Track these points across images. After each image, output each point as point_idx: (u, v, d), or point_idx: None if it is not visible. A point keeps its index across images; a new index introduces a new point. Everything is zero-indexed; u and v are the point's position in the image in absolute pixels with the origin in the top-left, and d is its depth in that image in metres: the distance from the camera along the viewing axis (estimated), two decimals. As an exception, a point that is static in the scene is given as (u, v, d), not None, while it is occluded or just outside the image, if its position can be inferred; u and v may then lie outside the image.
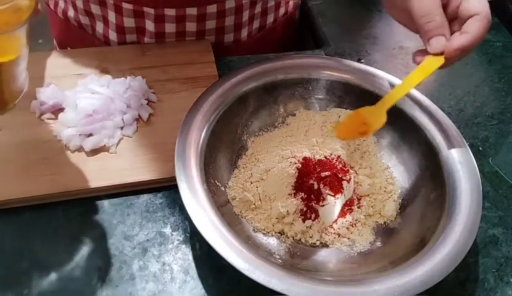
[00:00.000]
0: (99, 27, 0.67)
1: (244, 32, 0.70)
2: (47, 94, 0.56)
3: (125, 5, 0.63)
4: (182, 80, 0.61)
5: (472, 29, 0.44)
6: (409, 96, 0.56)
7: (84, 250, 0.47)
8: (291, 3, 0.75)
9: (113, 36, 0.66)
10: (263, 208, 0.50)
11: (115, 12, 0.64)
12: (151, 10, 0.63)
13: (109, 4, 0.63)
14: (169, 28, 0.65)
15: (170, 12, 0.63)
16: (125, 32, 0.66)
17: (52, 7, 0.72)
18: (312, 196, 0.49)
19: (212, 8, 0.64)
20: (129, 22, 0.64)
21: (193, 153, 0.48)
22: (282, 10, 0.74)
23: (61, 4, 0.69)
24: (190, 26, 0.65)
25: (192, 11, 0.63)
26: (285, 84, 0.58)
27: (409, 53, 0.73)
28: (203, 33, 0.66)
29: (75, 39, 0.70)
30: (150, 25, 0.64)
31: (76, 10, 0.67)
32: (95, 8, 0.65)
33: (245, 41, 0.71)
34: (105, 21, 0.66)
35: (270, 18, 0.72)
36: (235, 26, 0.68)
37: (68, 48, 0.71)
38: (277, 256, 0.46)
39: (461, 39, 0.44)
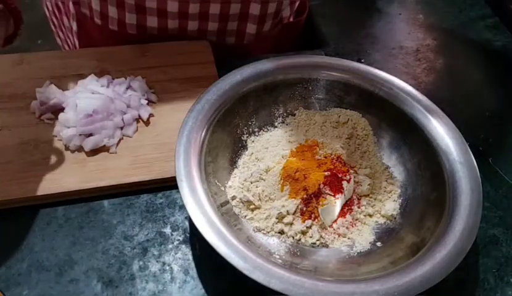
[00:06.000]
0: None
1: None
2: (47, 94, 0.56)
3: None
4: (182, 80, 0.61)
5: None
6: (409, 96, 0.56)
7: (84, 250, 0.47)
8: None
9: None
10: (263, 208, 0.50)
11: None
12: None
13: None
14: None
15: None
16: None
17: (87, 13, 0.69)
18: (312, 196, 0.49)
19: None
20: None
21: (193, 153, 0.48)
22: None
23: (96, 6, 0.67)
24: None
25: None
26: (285, 84, 0.58)
27: (409, 53, 0.73)
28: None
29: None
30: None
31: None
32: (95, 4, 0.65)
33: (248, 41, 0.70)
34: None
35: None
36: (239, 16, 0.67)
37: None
38: (277, 256, 0.46)
39: None
